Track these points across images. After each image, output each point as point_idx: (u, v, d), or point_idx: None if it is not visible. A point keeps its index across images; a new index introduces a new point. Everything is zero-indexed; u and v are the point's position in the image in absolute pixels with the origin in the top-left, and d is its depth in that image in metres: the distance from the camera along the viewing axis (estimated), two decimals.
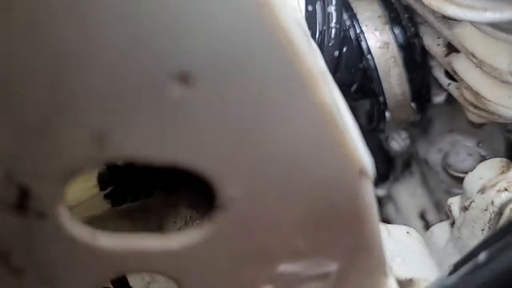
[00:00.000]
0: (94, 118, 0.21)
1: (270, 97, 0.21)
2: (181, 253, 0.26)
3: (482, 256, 0.29)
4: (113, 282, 0.31)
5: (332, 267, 0.29)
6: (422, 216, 0.59)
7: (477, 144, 0.51)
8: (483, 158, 0.50)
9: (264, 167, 0.23)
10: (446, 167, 0.52)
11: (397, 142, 0.53)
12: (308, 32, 0.35)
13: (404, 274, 0.34)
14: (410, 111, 0.48)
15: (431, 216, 0.58)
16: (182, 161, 0.23)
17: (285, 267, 0.28)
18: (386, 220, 0.64)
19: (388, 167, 0.61)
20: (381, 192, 0.63)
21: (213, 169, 0.23)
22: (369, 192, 0.27)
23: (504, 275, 0.27)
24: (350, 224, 0.27)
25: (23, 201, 0.22)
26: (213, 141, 0.22)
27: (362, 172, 0.25)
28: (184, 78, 0.20)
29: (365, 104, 0.51)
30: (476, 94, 0.39)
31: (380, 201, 0.64)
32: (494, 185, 0.39)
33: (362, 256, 0.29)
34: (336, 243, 0.28)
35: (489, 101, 0.37)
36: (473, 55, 0.37)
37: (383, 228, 0.38)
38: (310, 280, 0.29)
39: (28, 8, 0.19)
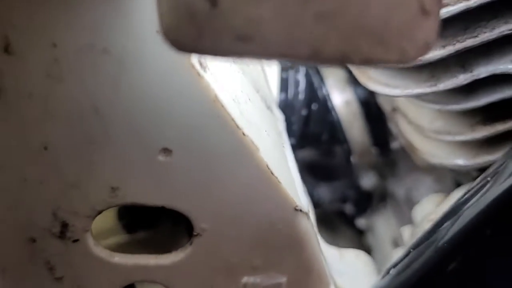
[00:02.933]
0: (110, 177, 0.32)
1: (222, 162, 0.32)
2: (171, 267, 0.37)
3: (393, 270, 0.39)
4: None
5: (282, 279, 0.39)
6: (395, 243, 0.68)
7: (433, 181, 0.61)
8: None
9: (224, 208, 0.34)
10: (408, 201, 0.62)
11: (366, 181, 0.63)
12: (270, 99, 0.47)
13: (349, 287, 0.44)
14: (372, 155, 0.58)
15: (401, 243, 0.67)
16: (168, 204, 0.34)
17: (247, 279, 0.38)
18: (366, 247, 0.73)
19: (366, 201, 0.71)
20: (362, 223, 0.73)
21: (189, 210, 0.34)
22: (304, 223, 0.37)
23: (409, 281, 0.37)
24: (292, 247, 0.37)
25: (64, 231, 0.34)
26: (187, 191, 0.33)
27: (297, 209, 0.36)
28: (166, 151, 0.32)
29: (338, 150, 0.62)
30: (411, 146, 0.49)
31: (362, 231, 0.74)
32: (428, 217, 0.49)
33: (305, 271, 0.39)
34: (283, 261, 0.38)
35: (418, 150, 0.48)
36: (404, 114, 0.47)
37: (336, 251, 0.48)
38: None
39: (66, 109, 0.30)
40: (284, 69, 0.55)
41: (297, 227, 0.36)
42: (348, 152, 0.58)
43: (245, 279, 0.38)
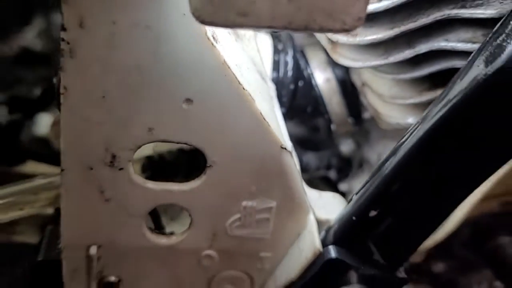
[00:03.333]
0: (148, 119, 0.45)
1: (228, 110, 0.45)
2: (189, 192, 0.49)
3: (355, 196, 0.51)
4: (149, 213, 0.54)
5: (272, 204, 0.51)
6: None
7: None
8: None
9: (229, 145, 0.47)
10: None
11: (345, 147, 0.76)
12: (264, 73, 0.59)
13: (325, 216, 0.56)
14: (349, 124, 0.71)
15: None
16: (189, 141, 0.46)
17: (246, 203, 0.51)
18: None
19: (346, 168, 0.83)
20: (344, 186, 0.85)
21: (203, 146, 0.47)
22: (288, 159, 0.49)
23: (362, 208, 0.49)
24: (278, 177, 0.50)
25: (113, 161, 0.46)
26: (203, 131, 0.46)
27: (282, 147, 0.48)
28: (188, 100, 0.44)
29: (320, 121, 0.74)
30: (375, 111, 0.61)
31: (344, 194, 0.86)
32: None
33: (289, 198, 0.51)
34: (273, 189, 0.50)
35: (381, 114, 0.60)
36: (369, 86, 0.60)
37: (317, 192, 0.61)
38: (261, 211, 0.52)
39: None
40: (276, 52, 0.68)
41: (283, 161, 0.49)
42: (329, 122, 0.70)
43: (244, 203, 0.51)
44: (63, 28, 0.40)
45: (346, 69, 0.69)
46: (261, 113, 0.46)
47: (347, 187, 0.85)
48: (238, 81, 0.44)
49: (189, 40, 0.42)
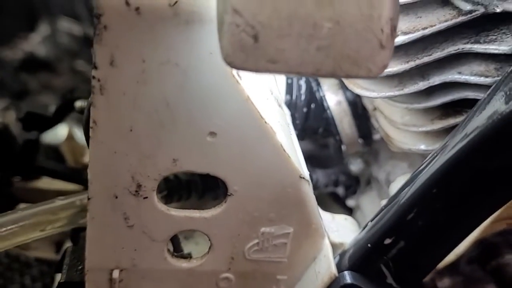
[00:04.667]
0: (173, 151, 0.46)
1: (250, 142, 0.46)
2: (210, 219, 0.51)
3: (370, 223, 0.53)
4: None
5: (290, 229, 0.53)
6: None
7: (407, 166, 0.75)
8: None
9: (251, 175, 0.48)
10: (388, 183, 0.76)
11: (354, 166, 0.78)
12: (280, 99, 0.61)
13: (338, 240, 0.58)
14: (359, 145, 0.73)
15: None
16: (211, 172, 0.48)
17: (264, 229, 0.52)
18: None
19: (354, 185, 0.85)
20: (351, 202, 0.87)
21: (226, 176, 0.48)
22: (306, 188, 0.51)
23: (378, 235, 0.51)
24: (297, 205, 0.51)
25: (138, 190, 0.48)
26: (225, 163, 0.47)
27: (301, 177, 0.50)
28: (212, 133, 0.46)
29: (331, 141, 0.76)
30: (387, 135, 0.63)
31: (351, 210, 0.88)
32: None
33: (306, 224, 0.53)
34: (291, 216, 0.52)
35: (393, 139, 0.62)
36: (381, 112, 0.62)
37: (330, 215, 0.63)
38: (278, 237, 0.53)
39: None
40: (289, 76, 0.70)
41: (301, 190, 0.51)
42: (340, 142, 0.72)
43: (263, 229, 0.52)
44: (95, 67, 0.42)
45: None
46: (281, 145, 0.48)
47: (354, 203, 0.86)
48: (261, 115, 0.46)
49: (215, 77, 0.44)
